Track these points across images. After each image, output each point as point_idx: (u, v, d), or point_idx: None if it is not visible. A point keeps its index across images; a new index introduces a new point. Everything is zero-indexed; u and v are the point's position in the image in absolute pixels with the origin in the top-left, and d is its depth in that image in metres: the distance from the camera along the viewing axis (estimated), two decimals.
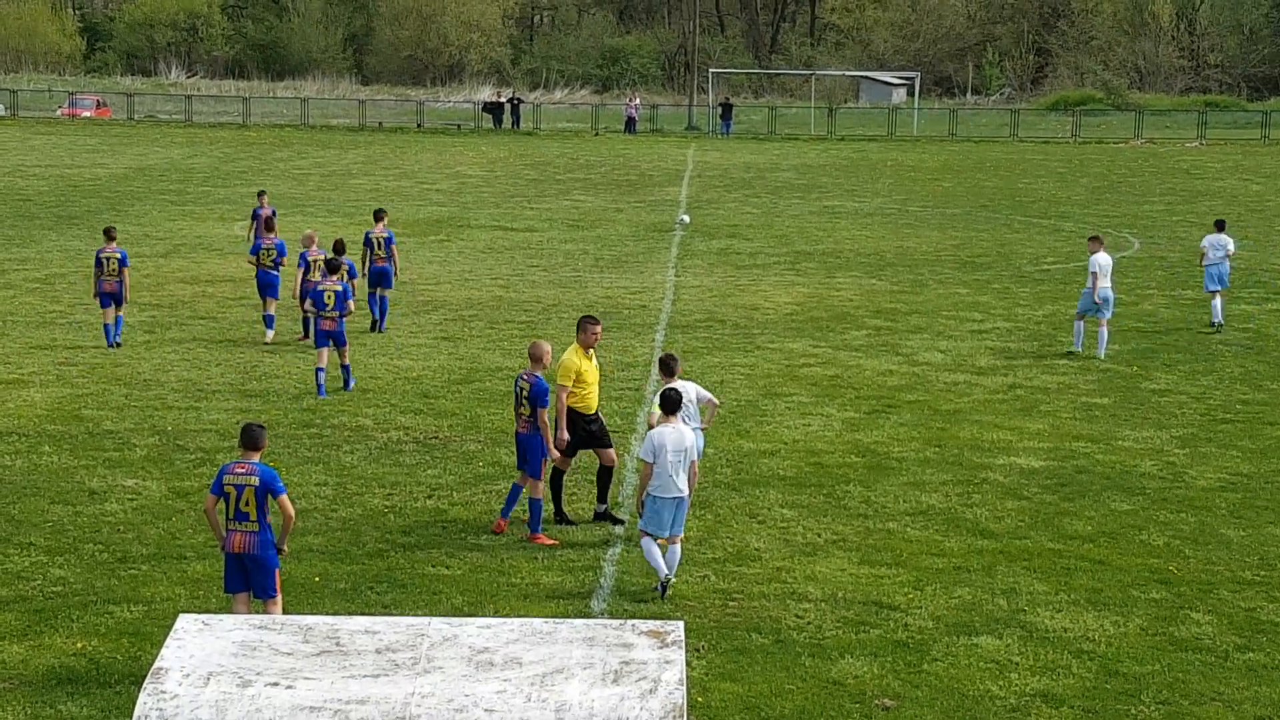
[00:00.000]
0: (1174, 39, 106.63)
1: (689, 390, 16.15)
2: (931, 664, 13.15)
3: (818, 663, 13.11)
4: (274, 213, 29.97)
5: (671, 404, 14.72)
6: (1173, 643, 13.72)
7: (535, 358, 16.23)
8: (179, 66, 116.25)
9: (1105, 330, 26.27)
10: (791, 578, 15.14)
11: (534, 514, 16.09)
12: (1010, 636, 13.77)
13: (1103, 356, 25.96)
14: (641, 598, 14.54)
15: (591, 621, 9.21)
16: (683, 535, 14.85)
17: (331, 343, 22.44)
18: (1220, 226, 30.18)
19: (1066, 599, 14.72)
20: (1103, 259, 26.14)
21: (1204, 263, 29.54)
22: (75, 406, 21.59)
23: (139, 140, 71.15)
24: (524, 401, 16.02)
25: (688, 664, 9.49)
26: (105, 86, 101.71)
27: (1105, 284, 26.04)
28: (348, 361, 22.89)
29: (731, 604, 14.39)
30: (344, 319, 22.45)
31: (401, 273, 28.96)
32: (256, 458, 12.69)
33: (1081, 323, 26.56)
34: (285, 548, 12.92)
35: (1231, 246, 29.56)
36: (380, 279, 27.29)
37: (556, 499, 16.90)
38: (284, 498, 12.62)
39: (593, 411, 16.78)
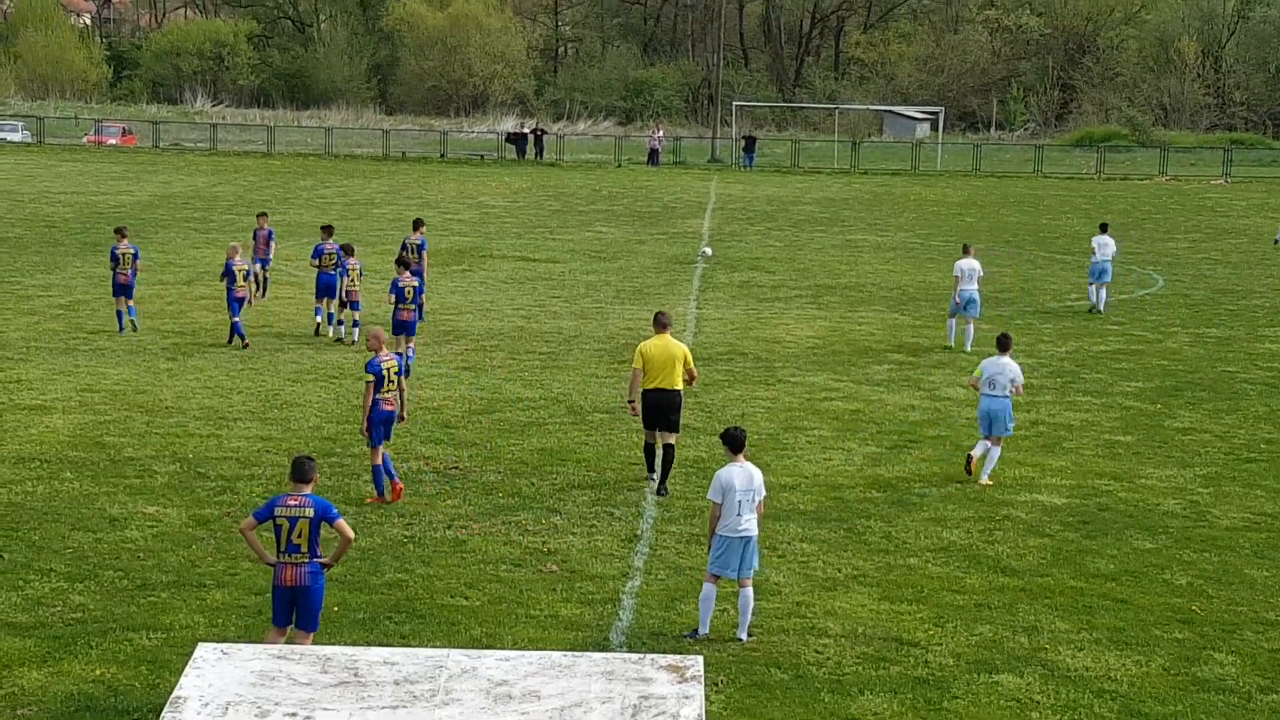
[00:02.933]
0: (1199, 76, 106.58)
1: (1006, 368, 20.06)
2: (952, 701, 13.07)
3: (837, 699, 13.03)
4: (271, 234, 34.21)
5: (736, 443, 14.49)
6: (1195, 683, 13.63)
7: (383, 340, 18.57)
8: (205, 95, 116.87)
9: (971, 328, 29.80)
10: (811, 613, 15.07)
11: (379, 478, 18.44)
12: (1031, 675, 13.69)
13: (969, 350, 29.11)
14: (660, 631, 14.48)
15: (611, 655, 9.18)
16: (752, 577, 14.50)
17: (405, 331, 25.66)
18: (1104, 228, 36.16)
19: (1088, 638, 14.64)
20: (965, 264, 29.80)
21: (1092, 259, 35.45)
22: (97, 433, 21.63)
23: (164, 168, 71.48)
24: (393, 379, 18.29)
25: (706, 699, 9.45)
26: (131, 114, 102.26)
27: (970, 286, 29.55)
28: (413, 348, 26.04)
29: (751, 638, 14.32)
30: (419, 310, 26.25)
31: (425, 300, 29.35)
32: (308, 489, 12.67)
33: (953, 320, 30.16)
34: (334, 565, 12.94)
35: (1114, 248, 35.54)
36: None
37: (651, 463, 19.39)
38: (341, 522, 12.57)
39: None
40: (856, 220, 56.23)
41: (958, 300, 29.69)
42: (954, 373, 27.62)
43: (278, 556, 12.62)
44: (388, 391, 18.17)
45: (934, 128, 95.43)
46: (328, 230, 31.17)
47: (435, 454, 20.88)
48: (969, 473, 20.05)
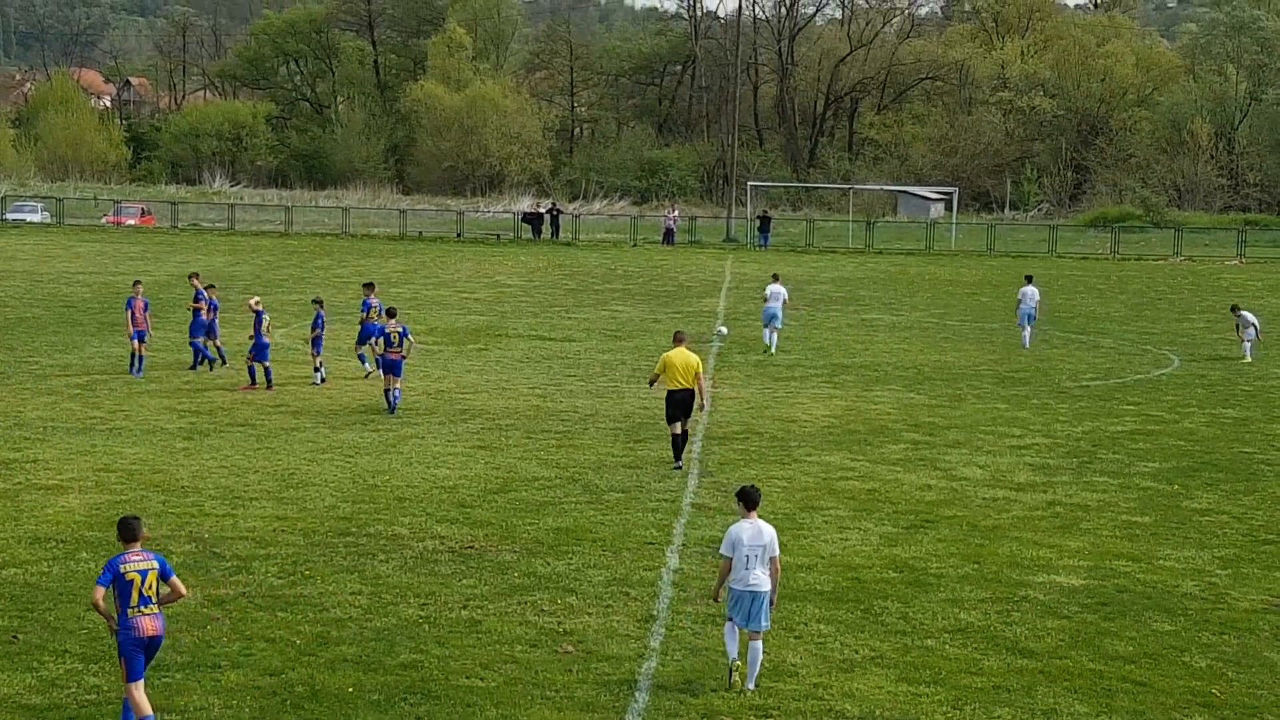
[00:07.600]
0: (1213, 157, 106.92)
1: None
2: None
3: None
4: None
5: (750, 500, 15.24)
6: None
7: None
8: (223, 175, 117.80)
9: (775, 335, 39.88)
10: (829, 694, 14.98)
11: None
12: None
13: (774, 352, 39.06)
14: (677, 713, 14.40)
15: None
16: (764, 630, 15.15)
17: (392, 371, 29.92)
18: (1029, 280, 44.25)
19: None
20: (774, 289, 40.27)
21: (1018, 308, 43.23)
22: (113, 513, 21.59)
23: (182, 248, 71.90)
24: None
25: None
26: (150, 195, 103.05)
27: (772, 305, 39.91)
28: (399, 388, 30.14)
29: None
30: (403, 354, 30.30)
31: (439, 380, 29.68)
32: (139, 546, 13.34)
33: (767, 330, 39.97)
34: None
35: (1038, 296, 43.30)
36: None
37: (679, 454, 25.38)
38: (175, 578, 13.48)
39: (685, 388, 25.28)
40: (871, 299, 56.34)
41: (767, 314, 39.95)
42: (970, 452, 27.57)
43: (129, 613, 13.12)
44: None
45: (948, 208, 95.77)
46: (369, 287, 36.28)
47: (451, 533, 20.85)
48: None
